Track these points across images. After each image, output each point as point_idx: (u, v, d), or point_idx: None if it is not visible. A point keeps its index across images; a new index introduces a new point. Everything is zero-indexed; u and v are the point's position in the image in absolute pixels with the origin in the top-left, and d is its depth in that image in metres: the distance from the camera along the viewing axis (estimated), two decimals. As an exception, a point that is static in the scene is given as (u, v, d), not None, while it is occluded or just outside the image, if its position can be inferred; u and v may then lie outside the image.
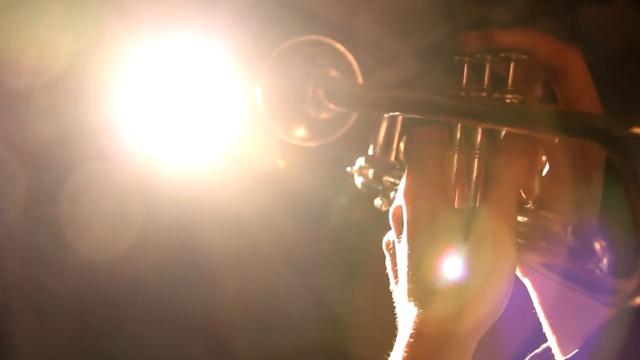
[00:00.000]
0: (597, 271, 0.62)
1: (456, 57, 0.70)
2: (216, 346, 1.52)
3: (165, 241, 1.46)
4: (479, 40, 0.71)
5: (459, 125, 0.70)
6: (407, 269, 0.69)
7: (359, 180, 0.88)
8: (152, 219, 1.43)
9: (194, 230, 1.46)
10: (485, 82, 0.69)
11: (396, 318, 0.72)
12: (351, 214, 1.36)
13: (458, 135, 0.70)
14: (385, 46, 1.31)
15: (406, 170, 0.71)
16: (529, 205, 0.68)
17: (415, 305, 0.68)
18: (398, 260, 0.71)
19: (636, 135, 0.55)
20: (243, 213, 1.45)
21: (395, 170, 0.83)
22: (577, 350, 0.72)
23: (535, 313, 0.76)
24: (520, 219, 0.68)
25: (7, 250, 1.44)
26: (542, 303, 0.75)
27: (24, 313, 1.47)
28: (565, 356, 0.73)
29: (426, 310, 0.67)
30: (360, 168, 0.87)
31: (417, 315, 0.68)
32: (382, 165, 0.85)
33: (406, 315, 0.69)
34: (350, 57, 0.82)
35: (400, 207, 0.71)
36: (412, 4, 1.28)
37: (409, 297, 0.69)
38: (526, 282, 0.76)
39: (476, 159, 0.69)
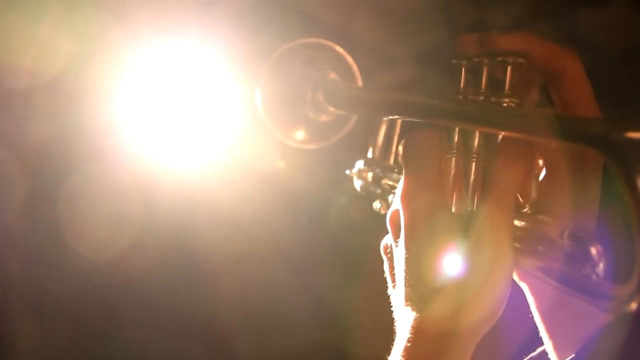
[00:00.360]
0: (594, 276, 0.62)
1: (454, 61, 0.70)
2: (215, 347, 1.52)
3: (165, 242, 1.46)
4: (477, 43, 0.71)
5: (457, 129, 0.70)
6: (404, 273, 0.69)
7: (358, 183, 0.88)
8: (152, 220, 1.43)
9: (193, 231, 1.46)
10: (483, 86, 0.69)
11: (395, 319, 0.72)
12: (350, 214, 1.36)
13: (456, 139, 0.70)
14: (384, 49, 1.31)
15: (404, 174, 0.71)
16: (526, 210, 0.68)
17: (413, 309, 0.68)
18: (395, 264, 0.72)
19: (632, 140, 0.55)
20: (242, 214, 1.45)
21: (394, 173, 0.83)
22: (573, 355, 0.72)
23: (532, 317, 0.76)
24: (517, 223, 0.68)
25: (7, 250, 1.44)
26: (539, 307, 0.75)
27: (23, 314, 1.47)
28: (561, 360, 0.74)
29: (424, 314, 0.67)
30: (360, 171, 0.87)
31: (415, 319, 0.68)
32: (381, 168, 0.85)
33: (404, 318, 0.69)
34: (349, 59, 0.83)
35: (397, 210, 0.71)
36: (411, 7, 1.28)
37: (407, 301, 0.69)
38: (523, 286, 0.76)
39: (474, 163, 0.70)
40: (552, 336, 0.75)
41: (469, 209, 0.70)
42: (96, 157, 1.41)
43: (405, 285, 0.69)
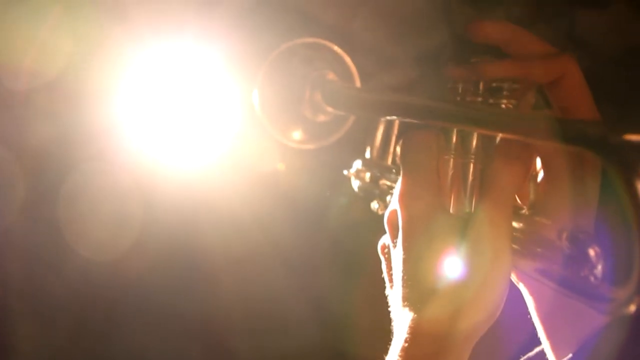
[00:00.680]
0: (592, 278, 0.62)
1: (449, 85, 0.70)
2: (215, 347, 1.52)
3: (165, 242, 1.46)
4: (467, 74, 0.70)
5: (455, 130, 0.70)
6: (402, 274, 0.69)
7: (355, 184, 0.87)
8: (151, 220, 1.43)
9: (193, 232, 1.46)
10: (481, 88, 0.69)
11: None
12: (350, 215, 1.36)
13: (454, 140, 0.70)
14: (384, 49, 1.31)
15: (402, 174, 0.71)
16: (524, 211, 0.68)
17: (411, 309, 0.68)
18: (393, 265, 0.71)
19: (630, 143, 0.55)
20: (242, 215, 1.45)
21: (391, 173, 0.83)
22: (570, 355, 0.72)
23: (530, 317, 0.76)
24: (515, 224, 0.68)
25: (7, 251, 1.45)
26: (536, 308, 0.75)
27: (23, 314, 1.47)
28: (559, 361, 0.73)
29: (421, 315, 0.67)
30: (357, 171, 0.86)
31: (413, 320, 0.68)
32: (378, 168, 0.85)
33: (401, 319, 0.69)
34: (347, 59, 0.82)
35: (395, 211, 0.71)
36: (411, 7, 1.28)
37: (404, 301, 0.69)
38: (521, 287, 0.76)
39: (472, 164, 0.69)
40: (549, 336, 0.75)
41: (467, 210, 0.70)
42: (96, 157, 1.41)
43: (402, 286, 0.69)
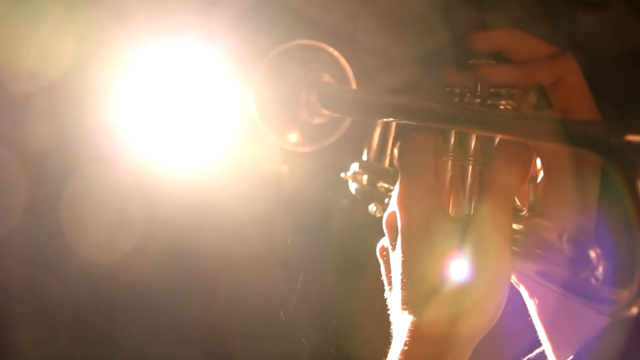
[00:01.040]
0: (593, 280, 0.61)
1: (447, 89, 0.69)
2: (215, 350, 1.52)
3: (166, 245, 1.45)
4: (467, 78, 0.70)
5: (453, 132, 0.69)
6: (401, 276, 0.69)
7: (353, 186, 0.87)
8: (153, 222, 1.43)
9: (194, 234, 1.45)
10: (479, 89, 0.68)
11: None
12: (352, 217, 1.35)
13: (452, 141, 0.69)
14: (385, 50, 1.30)
15: (400, 176, 0.70)
16: (524, 213, 0.68)
17: (410, 312, 0.68)
18: (392, 267, 0.71)
19: (632, 144, 0.55)
20: (243, 217, 1.45)
21: (389, 176, 0.82)
22: (572, 357, 0.71)
23: (531, 319, 0.76)
24: (515, 226, 0.67)
25: (9, 253, 1.44)
26: (537, 310, 0.74)
27: (25, 316, 1.47)
28: (560, 363, 0.73)
29: (421, 318, 0.67)
30: (355, 174, 0.86)
31: (412, 323, 0.67)
32: (376, 171, 0.84)
33: (401, 322, 0.69)
34: (343, 61, 0.82)
35: (394, 213, 0.71)
36: (412, 8, 1.27)
37: (403, 304, 0.68)
38: (522, 289, 0.75)
39: (471, 165, 0.69)
40: (550, 338, 0.74)
41: (467, 212, 0.69)
42: (97, 159, 1.41)
43: (402, 289, 0.69)
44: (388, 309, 0.72)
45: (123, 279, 1.44)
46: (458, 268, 0.66)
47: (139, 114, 1.35)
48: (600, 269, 0.61)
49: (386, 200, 0.81)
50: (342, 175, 0.87)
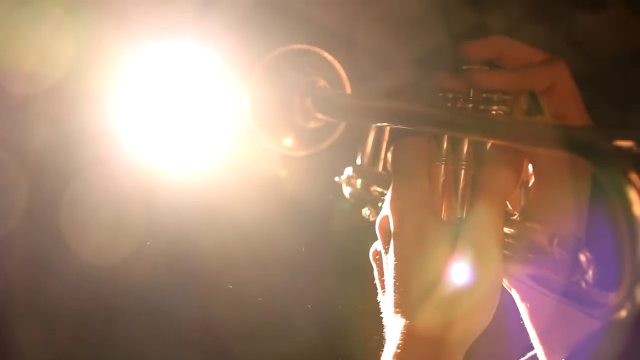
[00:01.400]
0: (583, 283, 0.62)
1: (440, 94, 0.70)
2: (215, 352, 1.52)
3: (166, 247, 1.46)
4: (461, 84, 0.70)
5: (446, 136, 0.70)
6: (393, 280, 0.69)
7: (347, 190, 0.87)
8: (152, 225, 1.43)
9: (193, 237, 1.46)
10: (471, 95, 0.68)
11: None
12: (351, 220, 1.35)
13: (445, 146, 0.70)
14: (383, 52, 1.31)
15: (393, 180, 0.71)
16: (515, 217, 0.68)
17: (403, 316, 0.68)
18: (385, 271, 0.71)
19: (620, 149, 0.55)
20: (243, 219, 1.45)
21: (383, 180, 0.83)
22: (563, 360, 0.72)
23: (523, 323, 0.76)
24: (506, 230, 0.68)
25: (8, 255, 1.45)
26: (528, 313, 0.75)
27: (25, 318, 1.48)
28: (551, 366, 0.73)
29: (413, 322, 0.67)
30: (348, 178, 0.86)
31: (405, 326, 0.68)
32: (369, 175, 0.84)
33: (394, 325, 0.69)
34: (338, 66, 0.82)
35: (386, 217, 0.71)
36: (410, 10, 1.28)
37: (396, 307, 0.69)
38: (513, 292, 0.76)
39: (463, 170, 0.69)
40: (542, 341, 0.75)
41: (459, 216, 0.70)
42: (97, 161, 1.41)
43: (394, 292, 0.69)
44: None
45: (122, 280, 1.45)
46: (450, 272, 0.66)
47: (138, 116, 1.35)
48: (590, 273, 0.61)
49: (380, 204, 0.81)
50: (336, 179, 0.88)
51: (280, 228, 1.46)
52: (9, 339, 1.47)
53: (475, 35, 0.75)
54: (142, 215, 1.42)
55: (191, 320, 1.50)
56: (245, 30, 1.32)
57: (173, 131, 1.36)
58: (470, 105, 0.68)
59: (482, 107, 0.68)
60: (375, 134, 0.83)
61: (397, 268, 0.69)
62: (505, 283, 0.74)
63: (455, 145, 0.69)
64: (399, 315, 0.68)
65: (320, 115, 0.82)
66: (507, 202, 0.69)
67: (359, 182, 0.85)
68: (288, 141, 0.84)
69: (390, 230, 0.70)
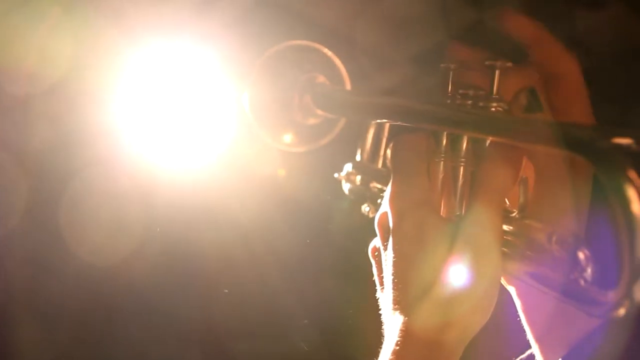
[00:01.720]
0: (582, 281, 0.62)
1: (442, 65, 0.70)
2: (215, 351, 1.52)
3: (165, 246, 1.46)
4: (475, 53, 0.71)
5: (445, 133, 0.70)
6: (392, 276, 0.69)
7: (346, 187, 0.87)
8: (152, 224, 1.43)
9: (193, 236, 1.45)
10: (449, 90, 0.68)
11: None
12: (351, 219, 1.35)
13: (444, 143, 0.70)
14: (382, 50, 1.30)
15: (392, 177, 0.71)
16: (514, 214, 0.68)
17: (401, 313, 0.68)
18: (384, 268, 0.71)
19: (619, 146, 0.55)
20: (242, 219, 1.45)
21: (382, 176, 0.83)
22: (560, 359, 0.71)
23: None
24: (505, 227, 0.68)
25: (8, 255, 1.45)
26: (526, 311, 0.75)
27: (24, 318, 1.48)
28: (548, 364, 0.73)
29: (412, 319, 0.67)
30: (348, 174, 0.86)
31: (404, 323, 0.68)
32: (369, 171, 0.84)
33: (392, 322, 0.69)
34: (338, 62, 0.82)
35: (385, 214, 0.71)
36: (409, 8, 1.28)
37: (395, 304, 0.69)
38: (511, 289, 0.76)
39: (462, 167, 0.69)
40: (539, 340, 0.75)
41: (458, 213, 0.70)
42: (97, 161, 1.41)
43: (393, 289, 0.69)
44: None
45: (122, 280, 1.45)
46: (449, 269, 0.66)
47: (137, 115, 1.35)
48: (589, 271, 0.61)
49: (379, 201, 0.81)
50: (336, 175, 0.88)
51: (279, 227, 1.45)
52: (8, 339, 1.47)
53: (475, 33, 0.76)
54: (142, 215, 1.42)
55: (191, 320, 1.49)
56: (245, 29, 1.32)
57: (173, 130, 1.36)
58: (469, 102, 0.68)
59: (481, 104, 0.68)
60: (375, 131, 0.83)
61: (396, 265, 0.69)
62: (503, 281, 0.74)
63: (454, 142, 0.69)
64: (397, 312, 0.68)
65: (319, 112, 0.82)
66: (506, 200, 0.69)
67: (358, 178, 0.85)
68: (287, 138, 0.84)
69: (389, 227, 0.70)
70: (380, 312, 0.73)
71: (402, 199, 0.70)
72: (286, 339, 1.49)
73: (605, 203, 0.65)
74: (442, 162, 0.70)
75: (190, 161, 1.38)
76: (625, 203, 0.54)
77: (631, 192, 0.53)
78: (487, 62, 0.67)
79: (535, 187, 0.70)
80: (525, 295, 0.74)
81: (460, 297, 0.66)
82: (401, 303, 0.68)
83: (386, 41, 1.33)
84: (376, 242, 0.74)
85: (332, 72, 0.83)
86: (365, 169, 0.85)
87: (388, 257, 0.70)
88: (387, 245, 0.71)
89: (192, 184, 1.40)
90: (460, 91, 0.68)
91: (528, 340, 0.77)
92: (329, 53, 0.81)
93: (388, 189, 0.71)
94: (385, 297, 0.71)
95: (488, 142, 0.68)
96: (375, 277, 0.74)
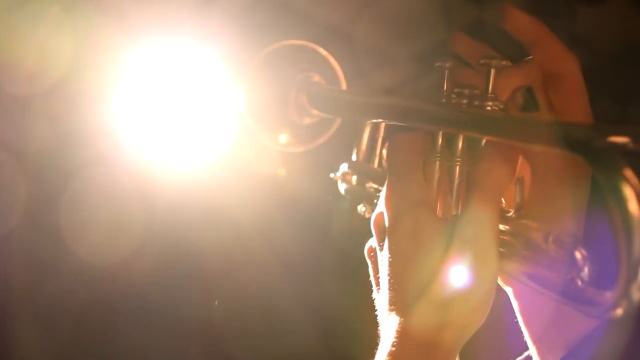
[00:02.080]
0: (579, 281, 0.61)
1: (437, 64, 0.69)
2: (215, 351, 1.52)
3: (166, 246, 1.45)
4: (477, 46, 0.70)
5: (441, 132, 0.69)
6: (388, 277, 0.69)
7: (342, 187, 0.87)
8: (152, 223, 1.43)
9: (193, 236, 1.45)
10: (467, 90, 0.68)
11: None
12: (351, 219, 1.35)
13: (440, 142, 0.69)
14: (382, 49, 1.30)
15: (388, 177, 0.71)
16: (510, 214, 0.68)
17: (397, 313, 0.68)
18: (380, 268, 0.71)
19: (615, 145, 0.54)
20: (242, 219, 1.45)
21: (378, 176, 0.82)
22: (560, 360, 0.71)
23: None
24: (502, 227, 0.67)
25: (7, 255, 1.45)
26: (523, 312, 0.74)
27: (24, 317, 1.48)
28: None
29: (408, 319, 0.67)
30: (344, 174, 0.86)
31: (400, 324, 0.67)
32: (365, 171, 0.84)
33: (388, 323, 0.69)
34: (333, 61, 0.82)
35: (381, 214, 0.71)
36: (410, 7, 1.27)
37: (391, 305, 0.68)
38: (508, 290, 0.75)
39: (458, 166, 0.69)
40: (536, 341, 0.74)
41: (454, 213, 0.69)
42: (97, 161, 1.41)
43: (389, 289, 0.69)
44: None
45: (122, 280, 1.44)
46: (444, 269, 0.66)
47: (137, 115, 1.35)
48: (586, 270, 0.61)
49: (375, 201, 0.81)
50: (332, 175, 0.88)
51: (279, 226, 1.45)
52: (8, 339, 1.47)
53: (477, 31, 0.75)
54: (142, 215, 1.42)
55: (191, 319, 1.49)
56: (245, 28, 1.31)
57: (172, 130, 1.36)
58: (465, 101, 0.68)
59: (476, 103, 0.67)
60: (371, 130, 0.83)
61: (392, 265, 0.68)
62: (500, 281, 0.74)
63: (450, 141, 0.69)
64: (393, 313, 0.68)
65: (315, 111, 0.82)
66: (502, 199, 0.68)
67: (354, 178, 0.85)
68: (283, 137, 0.84)
69: (385, 227, 0.70)
70: (374, 309, 0.73)
71: (397, 199, 0.69)
72: (285, 338, 1.48)
73: (603, 202, 0.64)
74: (438, 162, 0.69)
75: (190, 161, 1.38)
76: (621, 202, 0.53)
77: (628, 191, 0.52)
78: (481, 61, 0.67)
79: (531, 187, 0.70)
80: (523, 296, 0.74)
81: (456, 298, 0.65)
82: (397, 304, 0.68)
83: (387, 39, 1.32)
84: (372, 242, 0.74)
85: (328, 72, 0.83)
86: (362, 169, 0.84)
87: (384, 258, 0.70)
88: (383, 245, 0.70)
89: (192, 183, 1.40)
90: (456, 90, 0.67)
91: (526, 342, 0.76)
92: (324, 52, 0.81)
93: (384, 189, 0.71)
94: (381, 297, 0.71)
95: (484, 141, 0.68)
96: (372, 278, 0.74)
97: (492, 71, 0.67)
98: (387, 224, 0.69)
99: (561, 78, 0.70)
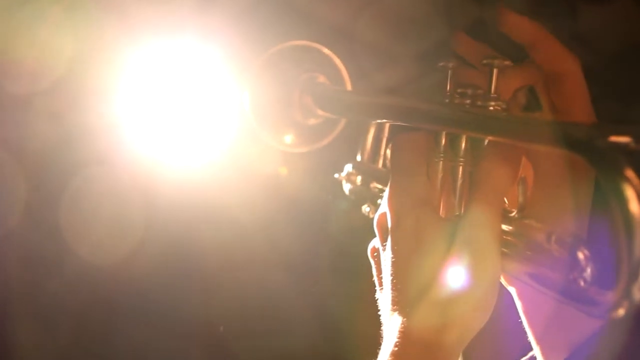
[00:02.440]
0: (581, 281, 0.61)
1: (440, 64, 0.69)
2: (215, 350, 1.52)
3: (166, 245, 1.45)
4: (479, 48, 0.70)
5: (444, 132, 0.69)
6: (391, 277, 0.69)
7: (346, 187, 0.87)
8: (153, 223, 1.43)
9: (194, 235, 1.45)
10: (469, 90, 0.68)
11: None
12: (352, 219, 1.35)
13: (443, 142, 0.69)
14: (385, 48, 1.30)
15: (391, 177, 0.71)
16: (513, 214, 0.68)
17: (400, 314, 0.68)
18: (383, 268, 0.71)
19: (616, 145, 0.55)
20: (243, 218, 1.45)
21: (382, 177, 0.82)
22: (563, 360, 0.71)
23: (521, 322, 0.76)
24: (504, 227, 0.67)
25: (7, 253, 1.45)
26: (527, 312, 0.74)
27: (24, 317, 1.48)
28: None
29: (411, 320, 0.67)
30: (348, 174, 0.86)
31: (402, 324, 0.67)
32: (369, 171, 0.84)
33: (391, 323, 0.69)
34: (338, 61, 0.82)
35: (385, 214, 0.71)
36: (411, 6, 1.27)
37: (394, 305, 0.68)
38: (511, 290, 0.75)
39: (461, 166, 0.69)
40: (539, 341, 0.74)
41: (457, 213, 0.69)
42: (98, 159, 1.41)
43: (392, 289, 0.69)
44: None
45: (123, 279, 1.45)
46: (447, 269, 0.66)
47: (138, 113, 1.35)
48: (589, 271, 0.61)
49: (379, 201, 0.81)
50: (336, 176, 0.88)
51: (280, 226, 1.45)
52: (8, 339, 1.47)
53: (478, 32, 0.75)
54: (142, 214, 1.42)
55: (191, 319, 1.49)
56: (247, 27, 1.31)
57: (174, 128, 1.36)
58: (468, 101, 0.68)
59: (479, 103, 0.67)
60: (375, 131, 0.83)
61: (395, 265, 0.68)
62: (503, 281, 0.74)
63: (453, 141, 0.69)
64: (396, 313, 0.68)
65: (320, 112, 0.82)
66: (505, 199, 0.68)
67: (358, 178, 0.85)
68: (288, 138, 0.83)
69: (388, 227, 0.70)
70: (378, 311, 0.73)
71: (400, 199, 0.69)
72: (286, 338, 1.49)
73: (606, 202, 0.64)
74: (441, 162, 0.69)
75: (191, 160, 1.38)
76: (623, 202, 0.53)
77: (629, 192, 0.52)
78: (484, 61, 0.67)
79: (534, 187, 0.70)
80: (526, 297, 0.74)
81: (459, 298, 0.65)
82: (400, 304, 0.68)
83: (389, 39, 1.32)
84: (375, 242, 0.74)
85: (332, 72, 0.83)
86: (366, 169, 0.84)
87: (387, 258, 0.70)
88: (386, 245, 0.70)
89: (193, 182, 1.40)
90: (459, 90, 0.67)
91: (529, 342, 0.76)
92: (329, 52, 0.81)
93: (387, 189, 0.71)
94: (384, 297, 0.71)
95: (487, 141, 0.68)
96: (375, 278, 0.74)
97: (495, 71, 0.67)
98: (389, 224, 0.70)
99: (562, 78, 0.70)
